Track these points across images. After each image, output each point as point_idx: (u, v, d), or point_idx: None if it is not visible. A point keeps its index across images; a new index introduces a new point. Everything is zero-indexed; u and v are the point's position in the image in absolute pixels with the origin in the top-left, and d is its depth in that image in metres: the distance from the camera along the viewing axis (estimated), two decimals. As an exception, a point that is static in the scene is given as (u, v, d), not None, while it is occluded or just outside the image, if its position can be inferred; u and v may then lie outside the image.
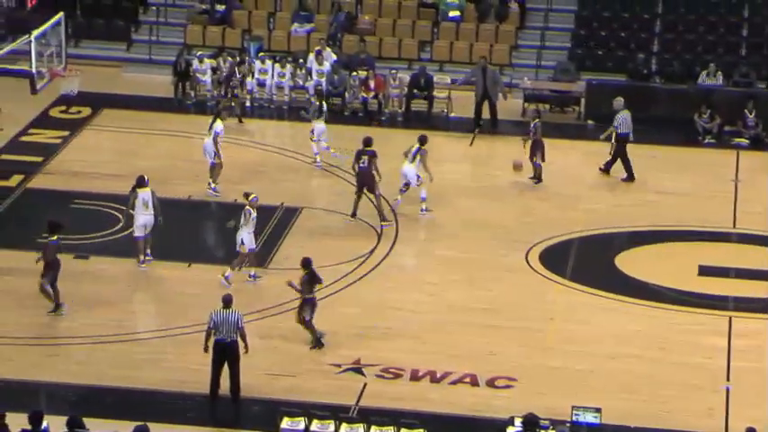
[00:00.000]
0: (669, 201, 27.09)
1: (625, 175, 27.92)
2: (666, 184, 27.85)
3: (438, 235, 25.33)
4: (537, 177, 27.36)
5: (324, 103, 28.25)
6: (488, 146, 29.89)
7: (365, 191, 25.36)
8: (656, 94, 31.57)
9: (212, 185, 26.13)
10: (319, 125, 27.81)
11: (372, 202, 25.54)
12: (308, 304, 21.03)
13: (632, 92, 31.33)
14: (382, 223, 25.28)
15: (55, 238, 21.84)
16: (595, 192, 27.55)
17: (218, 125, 25.88)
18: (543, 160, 27.26)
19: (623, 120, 27.91)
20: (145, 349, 21.12)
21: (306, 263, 21.11)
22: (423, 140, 25.82)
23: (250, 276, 23.15)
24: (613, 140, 28.05)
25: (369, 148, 25.30)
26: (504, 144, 29.52)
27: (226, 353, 19.47)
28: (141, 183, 23.53)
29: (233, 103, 30.10)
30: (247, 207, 22.91)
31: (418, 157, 25.64)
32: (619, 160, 27.95)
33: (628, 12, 33.93)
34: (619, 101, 28.27)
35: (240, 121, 30.15)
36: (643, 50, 33.16)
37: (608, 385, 20.42)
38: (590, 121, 31.09)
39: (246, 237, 22.91)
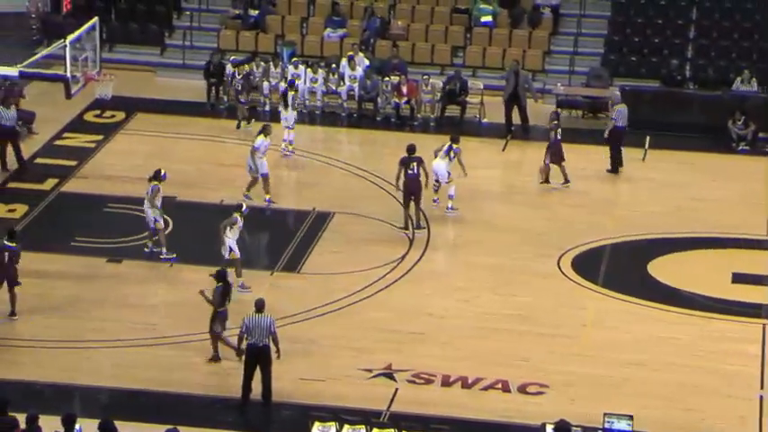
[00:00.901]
0: (702, 207, 26.96)
1: (609, 166, 28.09)
2: (700, 190, 27.72)
3: (470, 241, 25.29)
4: (545, 177, 27.43)
5: (295, 94, 28.82)
6: (521, 151, 29.83)
7: (412, 199, 25.10)
8: (690, 101, 31.42)
9: (266, 197, 26.05)
10: (290, 115, 28.17)
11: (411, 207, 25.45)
12: (220, 317, 20.76)
13: (666, 98, 31.28)
14: (417, 231, 25.22)
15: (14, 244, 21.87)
16: (628, 198, 27.45)
17: (258, 140, 25.84)
18: (554, 162, 27.27)
19: (621, 113, 28.09)
20: (177, 353, 21.18)
21: (221, 275, 20.86)
22: (455, 139, 26.03)
23: (240, 287, 22.89)
24: (607, 134, 28.17)
25: (415, 155, 25.20)
26: (536, 150, 29.43)
27: (258, 357, 19.51)
28: (155, 175, 23.95)
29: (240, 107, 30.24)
30: (237, 216, 22.87)
31: (450, 155, 25.65)
32: (609, 150, 28.15)
33: (662, 17, 33.79)
34: (616, 93, 28.51)
35: (238, 127, 30.12)
36: (677, 56, 33.01)
37: (640, 392, 20.34)
38: (623, 127, 30.96)
39: (234, 244, 22.84)
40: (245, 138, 28.80)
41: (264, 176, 26.02)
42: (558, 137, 27.34)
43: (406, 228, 25.30)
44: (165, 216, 24.30)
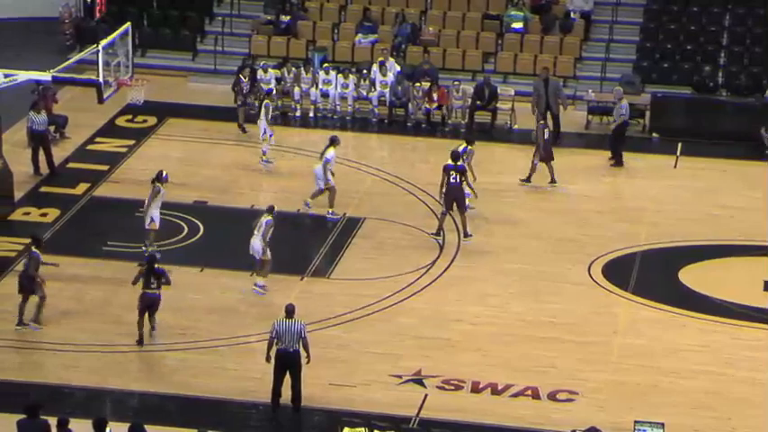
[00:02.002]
0: (734, 215, 26.83)
1: (615, 160, 28.79)
2: (732, 198, 27.59)
3: (500, 247, 25.25)
4: (528, 177, 27.59)
5: (270, 102, 28.64)
6: (552, 158, 29.74)
7: (454, 207, 25.06)
8: (723, 108, 31.29)
9: (330, 211, 25.95)
10: (264, 124, 28.11)
11: (454, 218, 25.34)
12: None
13: (698, 105, 31.14)
14: (465, 239, 25.15)
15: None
16: (659, 205, 27.35)
17: (330, 152, 25.80)
18: (543, 161, 27.51)
19: (626, 108, 28.74)
20: (208, 357, 21.24)
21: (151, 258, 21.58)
22: (470, 141, 26.21)
23: (253, 283, 23.13)
24: (613, 130, 28.78)
25: (459, 163, 25.20)
26: (567, 156, 29.40)
27: (288, 362, 19.54)
28: (158, 177, 24.18)
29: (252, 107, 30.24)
30: (269, 218, 22.93)
31: (464, 156, 25.68)
32: (611, 143, 28.91)
33: (694, 24, 33.66)
34: (618, 89, 29.41)
35: (243, 131, 30.16)
36: (709, 63, 32.89)
37: (671, 400, 20.26)
38: (654, 134, 30.88)
39: (262, 245, 22.96)
40: (277, 143, 28.86)
41: (332, 189, 25.91)
42: (547, 136, 27.39)
43: (437, 234, 25.28)
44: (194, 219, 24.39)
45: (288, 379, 19.64)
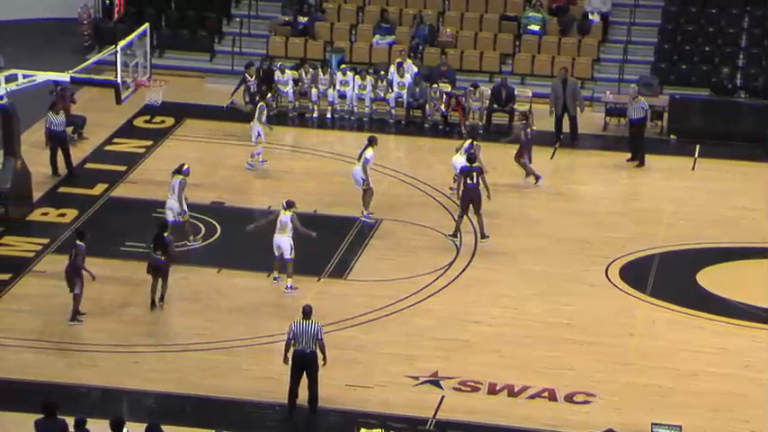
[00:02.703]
0: (753, 216, 26.73)
1: (639, 161, 28.90)
2: (750, 200, 27.49)
3: (517, 248, 25.22)
4: (534, 177, 27.66)
5: (265, 105, 28.61)
6: (569, 159, 29.72)
7: (471, 208, 25.08)
8: (741, 110, 31.20)
9: (365, 212, 25.99)
10: (258, 127, 28.02)
11: (471, 219, 25.33)
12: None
13: (716, 107, 31.04)
14: (482, 240, 25.15)
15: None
16: (677, 207, 27.28)
17: (369, 152, 25.75)
18: (530, 161, 27.70)
19: (646, 104, 29.10)
20: (225, 358, 21.26)
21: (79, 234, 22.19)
22: (473, 136, 26.89)
23: (284, 286, 23.27)
24: (636, 126, 28.92)
25: (475, 164, 25.21)
26: (584, 157, 29.37)
27: (305, 363, 19.53)
28: (179, 169, 24.52)
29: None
30: (290, 214, 23.07)
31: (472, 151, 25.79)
32: (632, 144, 29.06)
33: (713, 26, 33.57)
34: (633, 88, 29.62)
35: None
36: (728, 65, 32.79)
37: (689, 402, 20.21)
38: (673, 136, 30.81)
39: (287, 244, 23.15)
40: (294, 144, 28.90)
41: (370, 190, 25.86)
42: (529, 136, 27.49)
43: (454, 236, 25.28)
44: (212, 221, 24.47)
45: (304, 380, 19.64)
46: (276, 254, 23.26)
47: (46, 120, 27.89)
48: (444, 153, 27.37)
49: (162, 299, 22.48)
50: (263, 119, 28.17)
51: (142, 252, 24.02)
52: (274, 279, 23.46)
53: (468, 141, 26.56)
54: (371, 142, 25.97)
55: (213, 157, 29.09)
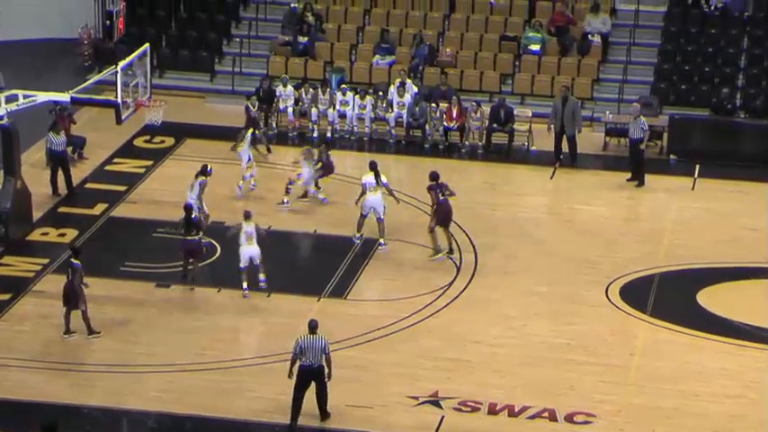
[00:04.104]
0: (753, 237, 26.74)
1: (638, 181, 28.98)
2: (750, 219, 27.51)
3: (518, 268, 25.22)
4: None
5: (258, 133, 29.07)
6: (569, 179, 29.74)
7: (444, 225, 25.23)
8: (740, 130, 31.22)
9: (381, 240, 25.86)
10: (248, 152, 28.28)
11: (452, 234, 25.50)
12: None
13: (716, 127, 31.07)
14: (432, 257, 25.27)
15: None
16: (677, 226, 27.28)
17: (383, 178, 25.83)
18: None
19: (646, 124, 29.14)
20: (227, 378, 21.23)
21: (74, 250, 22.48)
22: (326, 143, 28.08)
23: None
24: (637, 145, 28.93)
25: (440, 181, 25.33)
26: (584, 177, 29.37)
27: (313, 376, 19.49)
28: (203, 171, 25.33)
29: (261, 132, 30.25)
30: (253, 223, 23.73)
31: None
32: (636, 163, 29.11)
33: (712, 46, 33.64)
34: (636, 107, 29.58)
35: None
36: (727, 85, 32.84)
37: (690, 423, 20.17)
38: (672, 156, 30.83)
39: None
40: (295, 164, 28.89)
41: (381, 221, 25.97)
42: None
43: (451, 252, 25.30)
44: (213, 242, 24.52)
45: (307, 398, 19.54)
46: (244, 265, 23.47)
47: (47, 140, 27.92)
48: (444, 173, 27.28)
49: (194, 280, 23.57)
50: (249, 143, 28.34)
51: (142, 272, 23.97)
52: (245, 293, 23.53)
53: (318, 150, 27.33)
54: (373, 167, 25.98)
55: (213, 177, 29.01)
